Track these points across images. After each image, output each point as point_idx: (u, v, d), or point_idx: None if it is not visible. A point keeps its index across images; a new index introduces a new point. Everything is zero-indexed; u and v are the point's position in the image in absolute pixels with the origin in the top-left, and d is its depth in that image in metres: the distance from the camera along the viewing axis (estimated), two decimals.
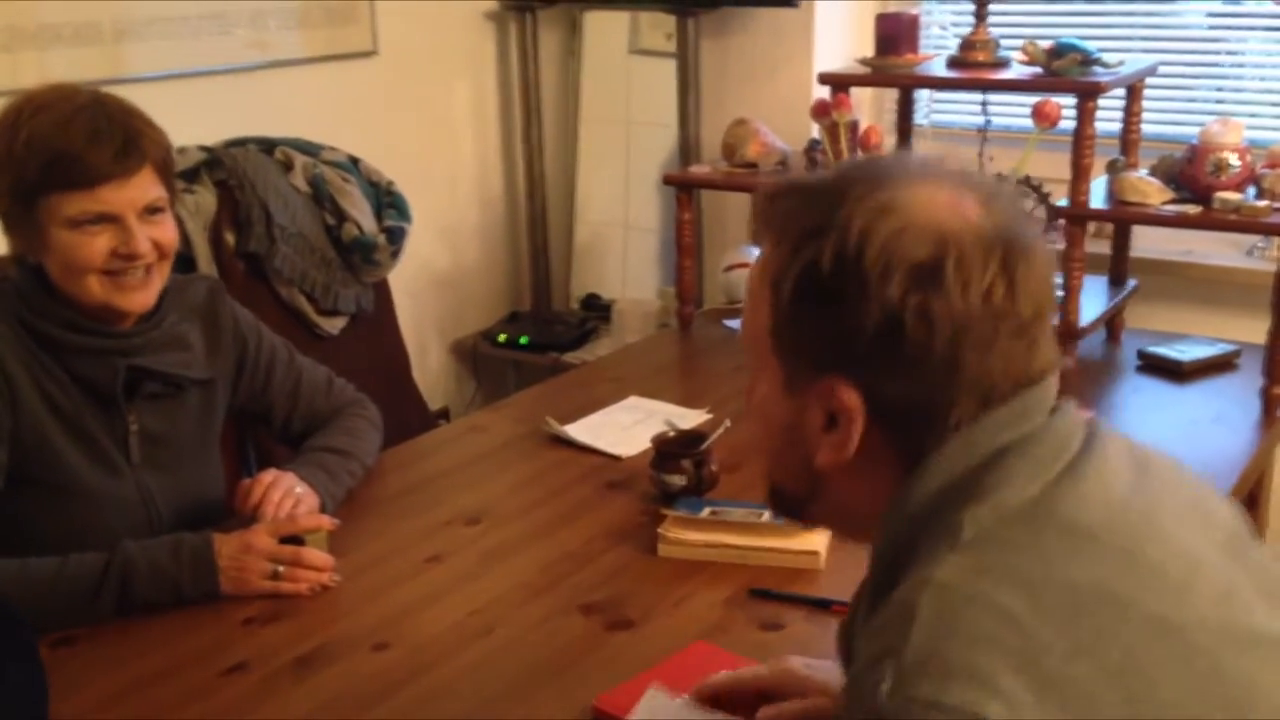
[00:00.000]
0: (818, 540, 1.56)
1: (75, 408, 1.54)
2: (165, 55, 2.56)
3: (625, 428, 2.04)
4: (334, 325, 2.61)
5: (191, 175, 2.48)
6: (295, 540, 1.52)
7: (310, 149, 2.62)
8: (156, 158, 1.52)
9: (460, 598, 1.51)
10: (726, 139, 2.52)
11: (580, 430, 2.01)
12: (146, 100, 2.49)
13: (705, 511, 1.64)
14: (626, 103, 3.42)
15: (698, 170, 2.49)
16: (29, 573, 1.44)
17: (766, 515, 1.62)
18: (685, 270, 2.53)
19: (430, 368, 3.31)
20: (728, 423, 1.80)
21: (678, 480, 1.72)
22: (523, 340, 3.27)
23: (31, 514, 1.53)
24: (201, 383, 1.67)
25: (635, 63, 3.39)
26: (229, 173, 2.46)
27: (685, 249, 2.51)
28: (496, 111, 3.41)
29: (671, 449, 1.75)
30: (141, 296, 1.53)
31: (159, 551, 1.47)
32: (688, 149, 3.11)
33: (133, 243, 1.48)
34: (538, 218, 3.46)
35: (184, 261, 2.43)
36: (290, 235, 2.48)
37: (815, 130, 2.58)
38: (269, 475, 1.61)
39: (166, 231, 1.54)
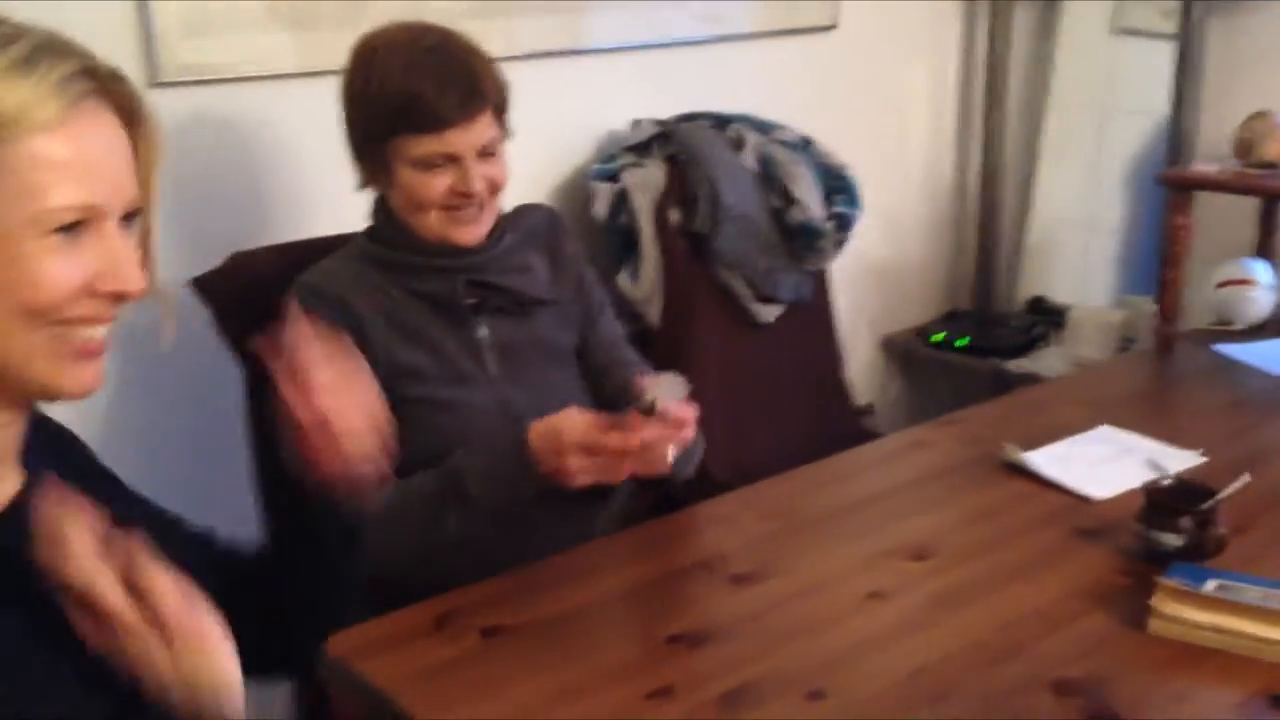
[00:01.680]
0: None
1: (425, 326, 1.57)
2: (624, 27, 2.51)
3: (1097, 463, 1.77)
4: (770, 313, 2.48)
5: (643, 149, 2.43)
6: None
7: (763, 127, 2.49)
8: (496, 100, 1.55)
9: (906, 648, 1.33)
10: (1241, 134, 2.15)
11: (1044, 460, 1.76)
12: (605, 71, 2.47)
13: (1210, 585, 1.36)
14: (1104, 88, 3.06)
15: (1203, 169, 2.14)
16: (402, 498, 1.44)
17: None
18: (1171, 284, 2.19)
19: (857, 360, 3.12)
20: (1246, 477, 1.50)
21: (1173, 540, 1.44)
22: (960, 342, 3.01)
23: (403, 436, 1.52)
24: (548, 303, 1.65)
25: (1119, 44, 3.02)
26: (679, 148, 2.39)
27: (1174, 259, 2.17)
28: (955, 94, 3.15)
29: (1168, 501, 1.48)
30: (474, 230, 1.57)
31: (484, 458, 1.46)
32: (1179, 142, 2.73)
33: (469, 181, 1.53)
34: (989, 210, 3.18)
35: (627, 235, 2.38)
36: (735, 216, 2.37)
37: None
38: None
39: (499, 170, 1.57)
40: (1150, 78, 2.90)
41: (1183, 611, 1.33)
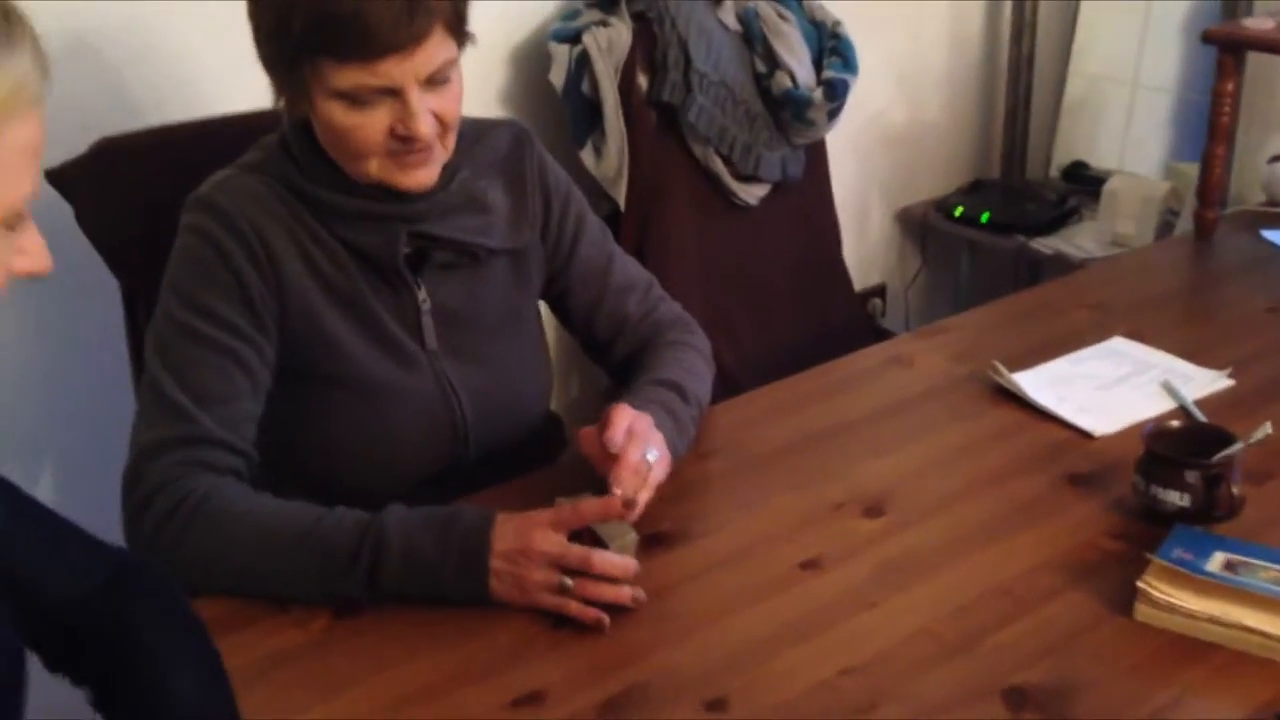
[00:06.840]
0: None
1: (354, 286, 1.26)
2: None
3: (1104, 386, 1.51)
4: (753, 194, 2.20)
5: (610, 4, 2.12)
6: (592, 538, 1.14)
7: None
8: (450, 11, 1.18)
9: (836, 638, 1.10)
10: None
11: (1038, 383, 1.50)
12: None
13: (1217, 559, 1.11)
14: None
15: (1256, 25, 1.80)
16: (277, 529, 1.14)
17: None
18: (1215, 159, 1.87)
19: (868, 237, 2.84)
20: (1267, 427, 1.23)
21: (1177, 500, 1.19)
22: (984, 218, 2.71)
23: (309, 417, 1.27)
24: (507, 253, 1.34)
25: None
26: (649, 4, 2.08)
27: (1220, 131, 1.85)
28: None
29: (1171, 449, 1.21)
30: (425, 174, 1.24)
31: (424, 532, 1.12)
32: None
33: (413, 123, 1.18)
34: (1022, 65, 2.83)
35: (589, 106, 2.10)
36: (710, 84, 2.07)
37: None
38: (627, 418, 1.21)
39: (451, 100, 1.22)
40: None
41: (1178, 597, 1.08)
